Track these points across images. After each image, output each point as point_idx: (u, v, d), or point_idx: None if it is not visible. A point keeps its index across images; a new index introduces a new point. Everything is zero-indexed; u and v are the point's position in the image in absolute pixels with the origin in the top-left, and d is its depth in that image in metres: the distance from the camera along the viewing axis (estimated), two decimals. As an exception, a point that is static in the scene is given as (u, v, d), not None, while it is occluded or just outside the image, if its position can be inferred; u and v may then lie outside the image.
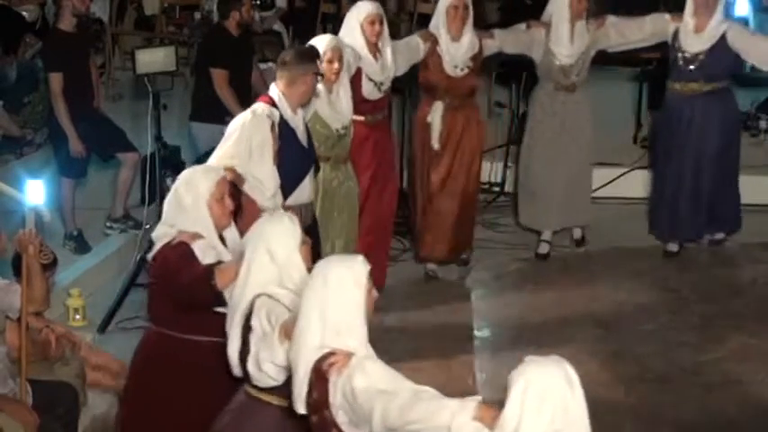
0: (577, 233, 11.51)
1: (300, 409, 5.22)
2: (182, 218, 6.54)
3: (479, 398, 4.95)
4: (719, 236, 11.55)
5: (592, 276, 11.22)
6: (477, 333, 10.06)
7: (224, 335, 5.95)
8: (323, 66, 8.61)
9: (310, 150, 8.58)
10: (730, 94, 11.36)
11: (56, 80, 10.72)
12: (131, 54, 11.16)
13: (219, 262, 6.39)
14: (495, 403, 4.87)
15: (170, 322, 6.64)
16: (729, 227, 11.60)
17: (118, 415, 7.48)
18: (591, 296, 10.69)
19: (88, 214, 11.18)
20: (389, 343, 9.12)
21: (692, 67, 10.81)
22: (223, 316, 6.03)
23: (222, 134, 8.26)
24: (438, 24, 10.34)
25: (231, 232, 6.75)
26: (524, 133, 11.51)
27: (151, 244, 6.85)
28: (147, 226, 10.02)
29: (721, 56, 10.87)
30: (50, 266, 8.19)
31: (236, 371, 5.83)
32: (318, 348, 5.12)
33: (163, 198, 9.40)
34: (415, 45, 10.34)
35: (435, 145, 10.47)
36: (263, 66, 11.30)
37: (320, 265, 5.36)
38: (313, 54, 8.48)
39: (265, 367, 5.59)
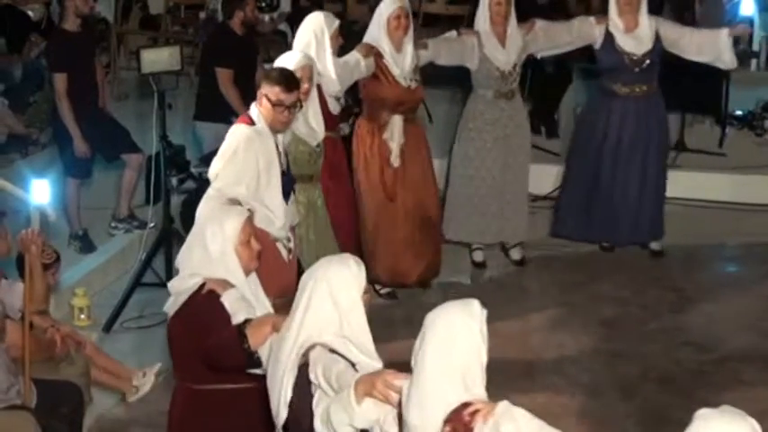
0: (516, 253, 11.32)
1: None
2: (208, 266, 6.28)
3: None
4: (655, 246, 11.48)
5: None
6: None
7: (255, 379, 5.89)
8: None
9: (289, 172, 8.46)
10: (661, 96, 11.33)
11: (60, 80, 10.69)
12: (136, 53, 10.92)
13: (249, 319, 6.13)
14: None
15: (200, 376, 6.42)
16: (657, 235, 11.53)
17: None
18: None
19: (93, 214, 11.17)
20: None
21: (637, 69, 10.84)
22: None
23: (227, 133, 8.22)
24: (379, 37, 10.16)
25: (252, 279, 6.52)
26: (457, 143, 11.20)
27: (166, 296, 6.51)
28: (152, 225, 10.22)
29: (659, 55, 11.00)
30: (52, 265, 8.15)
31: (280, 423, 5.57)
32: (449, 403, 4.92)
33: (168, 198, 10.08)
34: (354, 62, 10.05)
35: (396, 162, 10.28)
36: (267, 66, 11.00)
37: (436, 313, 5.01)
38: (292, 78, 8.30)
39: (340, 428, 5.27)
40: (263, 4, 14.79)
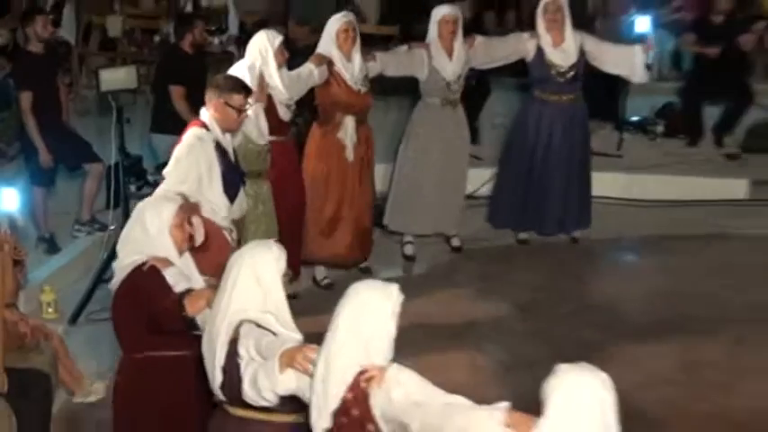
0: (456, 241, 11.60)
1: (324, 424, 5.22)
2: (148, 245, 6.46)
3: (508, 404, 4.94)
4: (576, 233, 11.77)
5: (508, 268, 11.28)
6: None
7: (192, 347, 6.02)
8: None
9: (239, 168, 8.69)
10: (584, 103, 11.58)
11: (26, 98, 10.77)
12: (96, 73, 11.09)
13: (190, 289, 6.33)
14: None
15: (142, 344, 6.53)
16: (584, 224, 11.78)
17: None
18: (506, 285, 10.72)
19: (58, 219, 11.23)
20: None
21: (562, 80, 11.04)
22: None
23: (179, 144, 8.71)
24: (330, 48, 10.37)
25: (185, 258, 6.68)
26: (404, 145, 11.42)
27: (111, 274, 6.74)
28: (112, 228, 10.22)
29: (583, 68, 11.23)
30: (20, 263, 8.13)
31: (218, 393, 5.78)
32: (352, 367, 5.17)
33: (127, 203, 9.95)
34: (307, 72, 10.26)
35: (350, 157, 10.50)
36: (218, 76, 11.12)
37: (358, 286, 5.29)
38: (243, 86, 8.57)
39: (266, 395, 5.50)
40: (212, 28, 14.75)
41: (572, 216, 11.71)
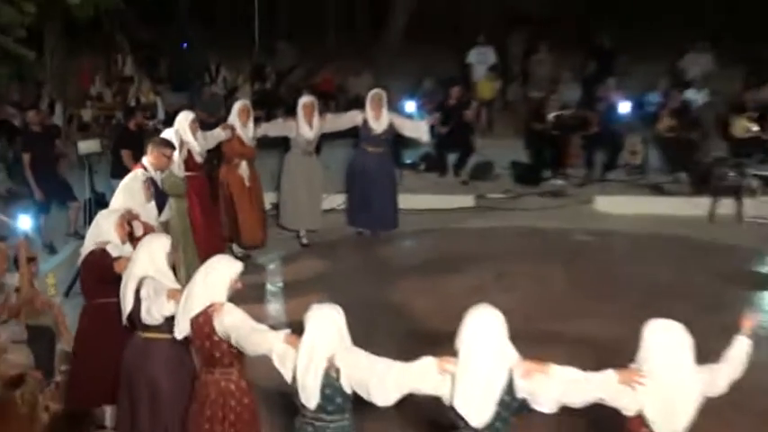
0: (305, 240, 12.04)
1: (181, 335, 5.81)
2: (103, 236, 6.98)
3: (288, 331, 5.39)
4: (386, 230, 12.36)
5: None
6: (270, 287, 10.88)
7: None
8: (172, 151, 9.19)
9: (164, 192, 9.11)
10: (391, 152, 12.41)
11: (25, 158, 11.32)
12: (75, 144, 12.36)
13: (119, 257, 6.75)
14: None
15: (96, 295, 6.93)
16: (392, 226, 12.40)
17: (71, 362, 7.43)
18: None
19: (54, 233, 11.69)
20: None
21: (378, 139, 11.87)
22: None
23: (127, 185, 8.64)
24: (234, 120, 11.09)
25: (127, 245, 7.06)
26: (282, 175, 12.03)
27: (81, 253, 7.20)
28: None
29: (391, 133, 11.90)
30: (34, 260, 8.40)
31: (126, 322, 6.24)
32: (203, 302, 5.68)
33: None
34: (217, 133, 10.89)
35: (247, 183, 11.17)
36: (156, 138, 10.00)
37: (211, 259, 5.89)
38: (170, 143, 9.25)
39: (155, 315, 5.96)
40: (148, 115, 14.72)
41: (387, 222, 12.35)
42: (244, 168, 11.18)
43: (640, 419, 4.96)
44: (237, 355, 5.69)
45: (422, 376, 5.02)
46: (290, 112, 14.09)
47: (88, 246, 7.00)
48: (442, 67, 18.83)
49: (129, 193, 8.34)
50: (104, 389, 6.70)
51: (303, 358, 5.13)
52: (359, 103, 15.14)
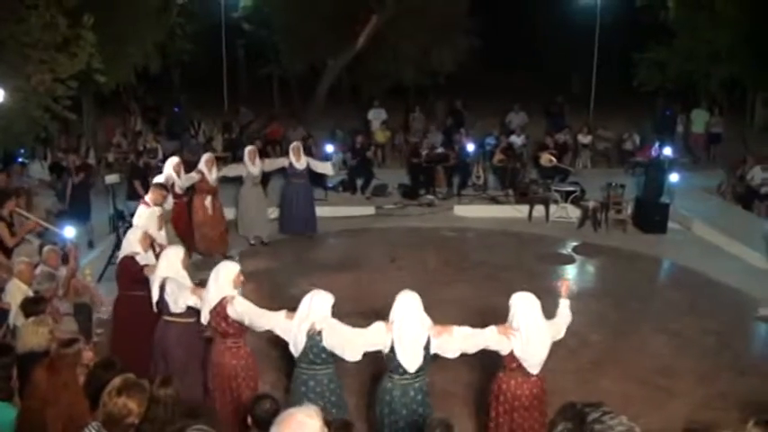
0: (267, 239, 11.43)
1: (206, 321, 5.54)
2: (132, 247, 6.77)
3: (285, 311, 5.19)
4: (310, 233, 11.80)
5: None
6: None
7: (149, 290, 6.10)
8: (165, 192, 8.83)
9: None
10: (308, 182, 11.68)
11: (67, 189, 11.18)
12: (103, 176, 11.97)
13: (147, 264, 6.57)
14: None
15: (127, 288, 6.69)
16: (313, 229, 11.92)
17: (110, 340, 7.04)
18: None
19: (95, 234, 11.11)
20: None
21: (300, 174, 11.33)
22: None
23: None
24: (202, 166, 10.58)
25: (149, 254, 6.86)
26: (239, 200, 11.50)
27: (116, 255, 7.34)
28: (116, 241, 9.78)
29: (309, 171, 11.47)
30: (76, 258, 7.91)
31: (155, 308, 6.00)
32: (219, 295, 5.45)
33: (117, 230, 10.30)
34: (191, 176, 10.23)
35: (210, 211, 10.59)
36: (155, 180, 9.88)
37: (219, 265, 5.61)
38: (164, 186, 8.94)
39: (181, 304, 5.73)
40: (152, 156, 13.58)
41: (308, 224, 11.82)
42: (209, 200, 10.66)
43: (512, 356, 5.04)
44: (243, 331, 5.51)
45: (377, 336, 4.97)
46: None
47: (123, 252, 6.83)
48: (349, 122, 18.63)
49: (147, 221, 8.16)
50: (136, 359, 6.09)
51: (296, 324, 5.07)
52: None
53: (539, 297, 5.32)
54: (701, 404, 6.69)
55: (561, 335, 5.33)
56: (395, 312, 4.91)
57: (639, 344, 7.94)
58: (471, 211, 13.65)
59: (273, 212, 12.38)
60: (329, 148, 14.04)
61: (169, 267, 5.90)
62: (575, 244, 11.80)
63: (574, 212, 13.03)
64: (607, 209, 12.47)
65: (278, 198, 12.45)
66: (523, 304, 5.03)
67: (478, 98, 20.51)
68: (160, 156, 14.36)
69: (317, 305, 5.06)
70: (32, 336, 5.20)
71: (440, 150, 15.30)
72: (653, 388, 6.99)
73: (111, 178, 11.09)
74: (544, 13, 23.17)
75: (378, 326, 4.95)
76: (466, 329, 4.98)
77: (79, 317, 7.41)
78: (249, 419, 4.12)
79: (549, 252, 11.43)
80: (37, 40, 10.57)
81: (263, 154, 12.97)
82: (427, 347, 4.92)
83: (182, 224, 9.97)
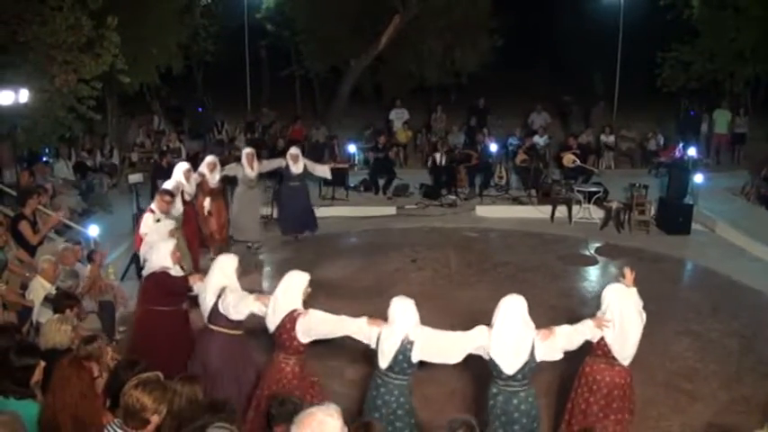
0: (255, 245, 11.26)
1: (271, 331, 5.30)
2: (163, 261, 6.35)
3: (365, 317, 5.06)
4: (308, 233, 11.75)
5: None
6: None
7: (177, 304, 6.10)
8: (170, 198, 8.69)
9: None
10: (305, 184, 11.63)
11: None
12: (126, 176, 11.98)
13: (190, 273, 6.45)
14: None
15: (154, 302, 6.34)
16: (312, 228, 11.86)
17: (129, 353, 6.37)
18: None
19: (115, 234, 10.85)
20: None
21: (296, 177, 11.29)
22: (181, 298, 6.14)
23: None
24: (203, 169, 10.44)
25: (177, 267, 6.46)
26: (233, 205, 11.28)
27: (142, 269, 6.78)
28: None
29: (305, 173, 11.42)
30: (103, 256, 8.22)
31: (206, 316, 5.74)
32: (288, 308, 5.27)
33: (138, 225, 8.97)
34: (195, 179, 10.08)
35: (206, 212, 10.53)
36: (163, 188, 9.53)
37: (287, 275, 5.42)
38: (170, 192, 8.73)
39: (242, 311, 5.53)
40: (175, 156, 13.98)
41: (309, 226, 11.80)
42: (208, 201, 10.60)
43: (601, 342, 5.13)
44: (301, 349, 5.35)
45: (480, 337, 4.97)
46: (272, 153, 14.58)
47: (151, 264, 6.43)
48: (371, 122, 18.50)
49: (158, 235, 7.82)
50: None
51: (386, 332, 5.00)
52: (318, 148, 15.54)
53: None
54: (723, 408, 6.62)
55: (642, 325, 5.28)
56: (497, 314, 4.93)
57: (662, 346, 7.86)
58: (493, 212, 13.61)
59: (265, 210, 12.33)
60: (351, 149, 14.24)
61: (224, 276, 5.77)
62: (597, 245, 11.77)
63: (597, 213, 12.96)
64: (630, 210, 12.42)
65: (271, 196, 12.54)
66: (616, 296, 5.07)
67: (501, 98, 20.40)
68: (183, 155, 14.49)
69: (400, 314, 5.01)
70: (55, 333, 5.21)
71: (461, 151, 15.29)
72: (675, 391, 6.95)
73: (135, 178, 11.11)
74: (567, 12, 22.83)
75: (481, 328, 4.97)
76: (565, 328, 5.04)
77: (103, 314, 7.43)
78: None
79: (572, 253, 11.39)
80: (61, 41, 10.65)
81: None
82: (532, 352, 4.92)
83: (190, 231, 9.91)
